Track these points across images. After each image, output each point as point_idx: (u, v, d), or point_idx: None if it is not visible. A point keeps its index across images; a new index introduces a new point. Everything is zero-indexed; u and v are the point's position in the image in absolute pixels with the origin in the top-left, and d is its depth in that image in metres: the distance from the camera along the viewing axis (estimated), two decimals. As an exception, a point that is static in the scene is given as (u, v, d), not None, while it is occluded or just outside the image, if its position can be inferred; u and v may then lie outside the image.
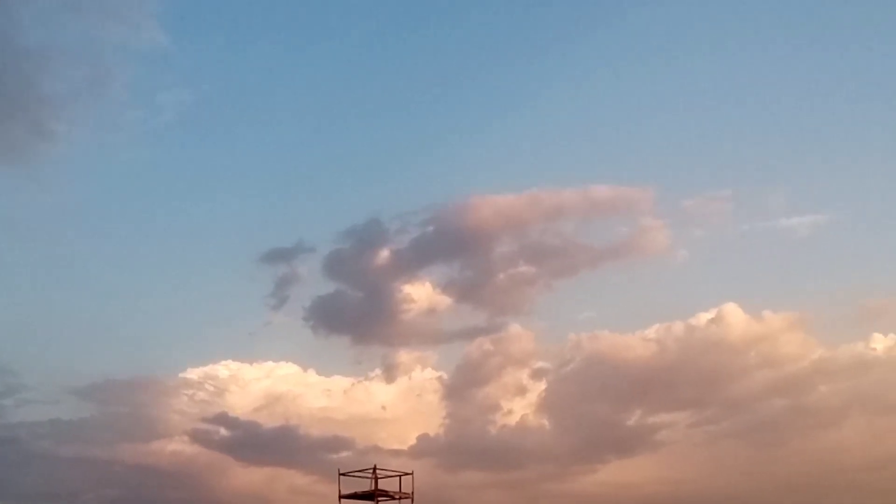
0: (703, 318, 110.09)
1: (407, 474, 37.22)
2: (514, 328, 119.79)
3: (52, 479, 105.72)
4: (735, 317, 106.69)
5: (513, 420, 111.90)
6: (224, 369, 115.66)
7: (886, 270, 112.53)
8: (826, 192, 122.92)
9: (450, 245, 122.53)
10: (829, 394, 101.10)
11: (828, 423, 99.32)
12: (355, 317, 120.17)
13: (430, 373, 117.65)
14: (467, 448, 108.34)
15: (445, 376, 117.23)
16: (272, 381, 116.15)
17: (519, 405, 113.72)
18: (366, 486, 36.98)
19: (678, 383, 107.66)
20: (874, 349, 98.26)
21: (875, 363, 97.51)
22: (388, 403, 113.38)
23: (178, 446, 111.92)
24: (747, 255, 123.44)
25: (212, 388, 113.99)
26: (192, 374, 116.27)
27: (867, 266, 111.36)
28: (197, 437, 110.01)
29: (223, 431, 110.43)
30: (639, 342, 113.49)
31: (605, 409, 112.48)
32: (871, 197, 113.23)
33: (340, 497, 36.70)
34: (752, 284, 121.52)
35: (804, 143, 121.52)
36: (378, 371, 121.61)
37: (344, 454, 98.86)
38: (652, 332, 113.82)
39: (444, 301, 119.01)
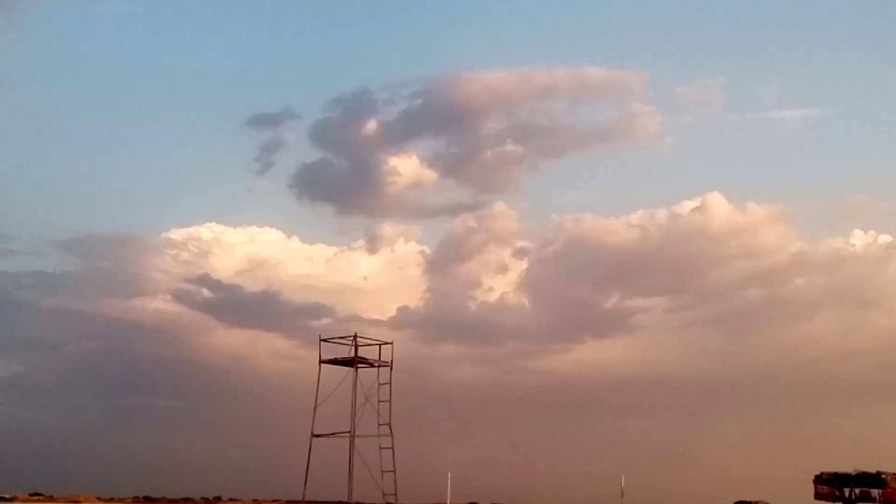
0: (687, 206, 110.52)
1: (387, 343, 37.74)
2: (499, 206, 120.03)
3: (35, 329, 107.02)
4: (719, 206, 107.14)
5: (493, 297, 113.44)
6: (208, 231, 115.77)
7: (871, 168, 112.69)
8: (819, 87, 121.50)
9: (438, 119, 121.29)
10: (805, 287, 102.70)
11: (801, 315, 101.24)
12: (340, 186, 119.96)
13: (412, 246, 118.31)
14: (447, 322, 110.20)
15: (428, 250, 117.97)
16: (255, 245, 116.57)
17: (500, 283, 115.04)
18: (346, 353, 37.46)
19: (657, 269, 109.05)
20: (853, 245, 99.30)
21: (853, 259, 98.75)
22: (370, 274, 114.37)
23: (160, 304, 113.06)
24: (736, 145, 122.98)
25: (195, 250, 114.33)
26: (176, 234, 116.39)
27: (852, 163, 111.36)
28: (180, 296, 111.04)
29: (206, 292, 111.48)
30: (622, 227, 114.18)
31: (584, 290, 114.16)
32: (863, 94, 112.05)
33: (321, 362, 37.20)
34: (738, 175, 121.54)
35: (802, 34, 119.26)
36: (361, 241, 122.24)
37: (324, 321, 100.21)
38: (635, 217, 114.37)
39: (430, 176, 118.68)
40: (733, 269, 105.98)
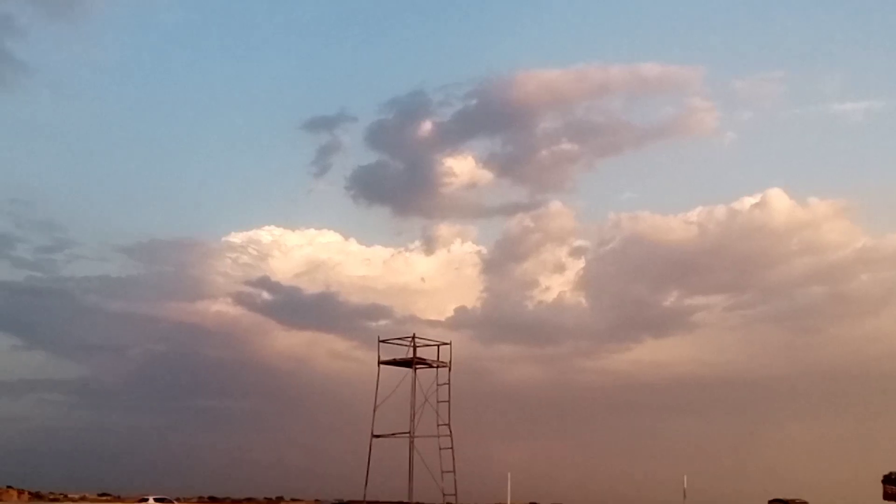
0: (747, 202, 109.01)
1: (445, 344, 37.83)
2: (555, 205, 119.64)
3: (100, 332, 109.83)
4: (780, 202, 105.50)
5: (550, 297, 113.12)
6: (267, 234, 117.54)
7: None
8: (883, 78, 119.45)
9: (493, 119, 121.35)
10: (870, 283, 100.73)
11: (866, 312, 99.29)
12: (396, 188, 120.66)
13: (469, 246, 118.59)
14: (504, 322, 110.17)
15: (484, 251, 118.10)
16: (314, 248, 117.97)
17: (557, 282, 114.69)
18: (404, 353, 37.66)
19: (717, 267, 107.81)
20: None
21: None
22: (427, 275, 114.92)
23: (221, 307, 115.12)
24: (797, 139, 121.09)
25: (255, 253, 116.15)
26: (236, 237, 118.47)
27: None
28: (240, 299, 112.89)
29: (265, 295, 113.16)
30: (680, 224, 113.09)
31: (643, 289, 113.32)
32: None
33: (380, 363, 37.47)
34: (799, 170, 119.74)
35: (863, 26, 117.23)
36: (418, 243, 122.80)
37: (382, 322, 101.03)
38: (694, 214, 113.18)
39: (486, 176, 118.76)
40: (795, 266, 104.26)
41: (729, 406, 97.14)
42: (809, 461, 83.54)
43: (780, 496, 58.69)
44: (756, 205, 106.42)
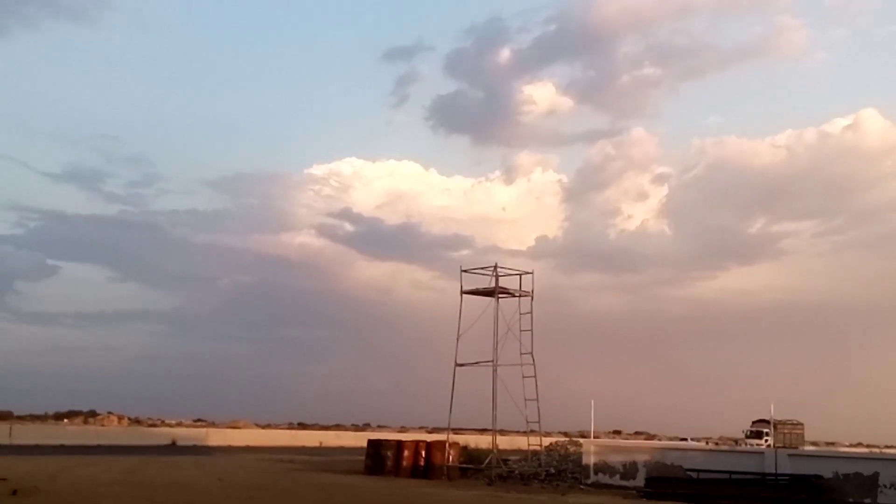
0: (839, 123, 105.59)
1: (527, 273, 37.66)
2: (637, 132, 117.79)
3: (190, 264, 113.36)
4: (873, 123, 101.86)
5: (632, 225, 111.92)
6: (347, 166, 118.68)
7: None
8: None
9: (572, 44, 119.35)
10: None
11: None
12: (475, 117, 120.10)
13: (550, 175, 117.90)
14: (586, 251, 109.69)
15: (565, 179, 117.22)
16: (394, 179, 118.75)
17: (639, 210, 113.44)
18: (486, 283, 37.69)
19: (806, 192, 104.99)
20: None
21: None
22: (508, 204, 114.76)
23: (305, 238, 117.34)
24: (892, 57, 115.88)
25: (336, 185, 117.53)
26: (317, 170, 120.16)
27: None
28: (323, 230, 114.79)
29: (348, 226, 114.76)
30: (767, 148, 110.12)
31: (728, 216, 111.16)
32: None
33: (462, 293, 37.58)
34: (894, 89, 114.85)
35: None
36: (498, 172, 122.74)
37: (463, 252, 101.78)
38: (782, 138, 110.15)
39: (566, 103, 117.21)
40: (889, 190, 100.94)
41: (818, 334, 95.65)
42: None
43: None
44: (848, 126, 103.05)
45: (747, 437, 66.34)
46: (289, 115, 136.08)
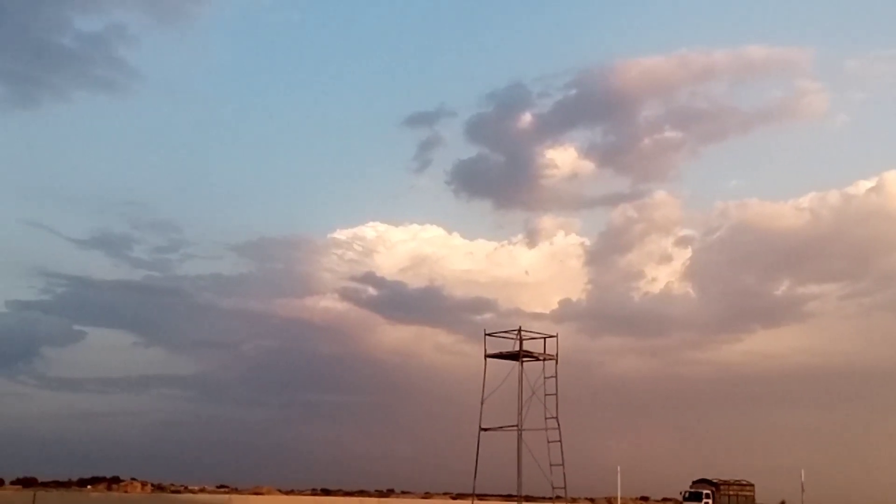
0: (863, 186, 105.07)
1: (551, 336, 37.69)
2: (659, 195, 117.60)
3: (214, 329, 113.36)
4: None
5: (656, 287, 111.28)
6: (371, 230, 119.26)
7: None
8: None
9: (593, 109, 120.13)
10: None
11: None
12: (497, 181, 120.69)
13: (572, 238, 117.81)
14: (609, 314, 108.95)
15: (588, 242, 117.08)
16: (417, 242, 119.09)
17: (663, 272, 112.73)
18: (510, 346, 37.69)
19: (831, 254, 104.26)
20: None
21: None
22: (531, 268, 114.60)
23: (329, 303, 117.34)
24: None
25: (360, 249, 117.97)
26: (341, 234, 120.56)
27: None
28: (346, 294, 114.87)
29: (371, 290, 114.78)
30: (790, 211, 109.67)
31: (752, 278, 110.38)
32: None
33: (486, 356, 37.58)
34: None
35: None
36: (520, 236, 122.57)
37: (487, 315, 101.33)
38: (805, 200, 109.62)
39: (587, 166, 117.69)
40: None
41: (846, 398, 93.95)
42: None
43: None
44: (872, 189, 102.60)
45: (685, 499, 60.29)
46: (312, 179, 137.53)
